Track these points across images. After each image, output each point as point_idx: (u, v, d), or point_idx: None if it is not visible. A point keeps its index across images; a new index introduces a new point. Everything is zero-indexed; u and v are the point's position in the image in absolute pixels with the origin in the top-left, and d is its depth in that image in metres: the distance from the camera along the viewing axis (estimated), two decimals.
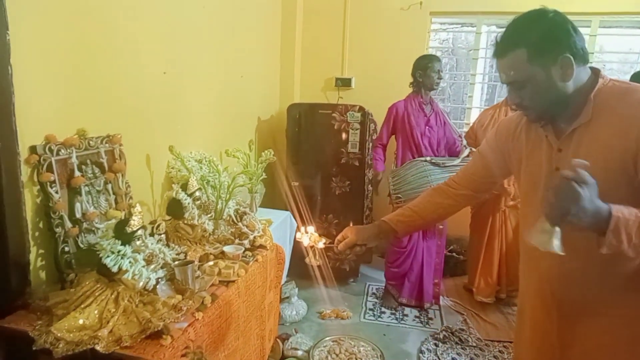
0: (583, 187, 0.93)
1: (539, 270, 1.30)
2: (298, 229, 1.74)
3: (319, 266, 1.67)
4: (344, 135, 3.45)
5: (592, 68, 1.18)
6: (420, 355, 2.74)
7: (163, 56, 2.22)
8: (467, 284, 3.63)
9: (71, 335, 1.33)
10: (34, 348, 1.30)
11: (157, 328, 1.37)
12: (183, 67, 2.42)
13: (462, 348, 2.85)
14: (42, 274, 1.60)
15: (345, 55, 4.14)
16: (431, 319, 3.22)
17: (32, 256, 1.54)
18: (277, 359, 2.58)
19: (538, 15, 1.12)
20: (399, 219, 1.53)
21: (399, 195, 3.00)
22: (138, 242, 1.50)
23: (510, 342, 2.94)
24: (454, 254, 3.98)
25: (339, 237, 1.53)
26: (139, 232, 1.50)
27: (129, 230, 1.47)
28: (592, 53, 3.86)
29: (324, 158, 3.52)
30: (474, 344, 2.88)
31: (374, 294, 3.56)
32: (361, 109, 3.41)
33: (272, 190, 3.84)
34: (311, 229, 1.66)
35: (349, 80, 4.11)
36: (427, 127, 3.13)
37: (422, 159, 3.02)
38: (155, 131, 2.20)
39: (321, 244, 1.60)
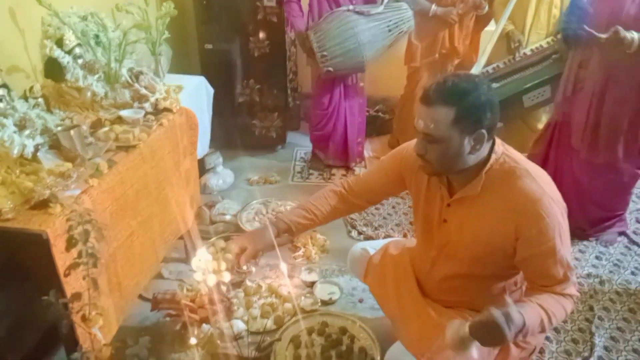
0: (509, 324, 1.01)
1: (418, 268, 1.51)
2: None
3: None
4: None
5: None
6: None
7: None
8: (391, 140, 3.69)
9: None
10: None
11: (43, 197, 1.23)
12: None
13: (385, 199, 2.98)
14: None
15: None
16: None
17: None
18: (206, 225, 2.57)
19: (477, 84, 1.14)
20: (299, 221, 1.48)
21: (324, 53, 2.75)
22: (2, 105, 1.27)
23: None
24: (380, 113, 3.98)
25: (235, 250, 1.39)
26: (0, 91, 1.26)
27: None
28: None
29: (238, 14, 3.16)
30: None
31: (302, 158, 3.55)
32: None
33: (183, 54, 3.49)
34: (204, 255, 1.45)
35: None
36: None
37: (345, 8, 2.75)
38: None
39: (227, 275, 1.47)
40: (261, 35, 3.22)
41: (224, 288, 1.70)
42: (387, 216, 2.82)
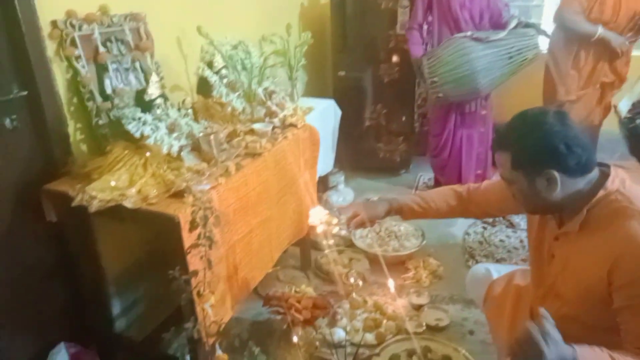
0: (547, 340, 0.94)
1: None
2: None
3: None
4: (392, 15, 3.18)
5: (602, 170, 1.13)
6: (466, 237, 2.72)
7: None
8: None
9: (103, 194, 1.45)
10: (72, 205, 1.45)
11: (180, 188, 1.46)
12: None
13: (512, 231, 2.78)
14: (84, 147, 1.73)
15: None
16: None
17: (70, 129, 1.67)
18: (322, 238, 2.69)
19: (534, 123, 1.09)
20: (412, 206, 1.56)
21: (435, 79, 2.72)
22: (159, 111, 1.55)
23: None
24: None
25: (347, 214, 1.57)
26: (158, 100, 1.54)
27: (147, 98, 1.52)
28: None
29: (371, 43, 3.32)
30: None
31: (424, 183, 3.51)
32: None
33: (319, 80, 3.76)
34: (321, 211, 1.76)
35: None
36: None
37: (462, 34, 2.68)
38: (185, 12, 2.18)
39: (336, 228, 1.75)
40: (394, 58, 3.32)
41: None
42: (513, 249, 2.62)
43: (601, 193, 1.10)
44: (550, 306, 1.26)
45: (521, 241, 2.69)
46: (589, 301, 1.12)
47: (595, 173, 1.12)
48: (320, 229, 1.78)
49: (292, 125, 2.09)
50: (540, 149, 1.07)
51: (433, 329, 2.02)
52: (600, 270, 1.07)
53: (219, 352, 1.37)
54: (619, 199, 1.08)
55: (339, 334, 1.90)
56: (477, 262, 2.49)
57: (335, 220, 1.72)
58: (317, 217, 1.76)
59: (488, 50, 2.61)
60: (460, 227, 2.84)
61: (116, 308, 1.97)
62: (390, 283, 2.08)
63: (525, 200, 1.17)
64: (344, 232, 2.68)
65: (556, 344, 0.96)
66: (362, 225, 1.57)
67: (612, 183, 1.10)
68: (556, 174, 1.06)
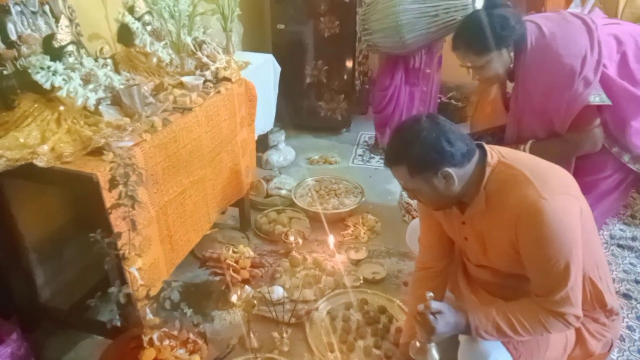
0: (437, 317, 1.17)
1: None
2: None
3: None
4: None
5: (479, 148, 1.20)
6: (403, 193, 2.78)
7: None
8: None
9: (11, 152, 1.31)
10: None
11: (98, 144, 1.35)
12: None
13: None
14: None
15: None
16: None
17: None
18: (262, 197, 2.65)
19: (414, 132, 1.16)
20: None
21: (366, 27, 2.72)
22: (71, 59, 1.40)
23: None
24: (453, 101, 3.82)
25: None
26: (70, 47, 1.39)
27: (56, 44, 1.36)
28: None
29: None
30: None
31: (365, 142, 3.52)
32: None
33: (257, 33, 3.61)
34: None
35: None
36: None
37: None
38: None
39: None
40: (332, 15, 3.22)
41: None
42: None
43: (488, 170, 1.18)
44: (482, 273, 1.37)
45: None
46: (513, 262, 1.22)
47: (477, 154, 1.20)
48: None
49: (226, 79, 1.98)
50: (428, 154, 1.13)
51: (370, 282, 2.07)
52: (511, 235, 1.16)
53: (149, 316, 1.32)
54: (502, 169, 1.18)
55: (278, 292, 1.90)
56: (412, 217, 2.55)
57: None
58: None
59: (415, 4, 2.52)
60: (397, 184, 2.87)
61: (40, 277, 1.84)
62: (331, 240, 2.09)
63: (432, 201, 1.25)
64: (284, 192, 2.66)
65: (445, 317, 1.17)
66: None
67: (492, 157, 1.19)
68: (450, 170, 1.14)
